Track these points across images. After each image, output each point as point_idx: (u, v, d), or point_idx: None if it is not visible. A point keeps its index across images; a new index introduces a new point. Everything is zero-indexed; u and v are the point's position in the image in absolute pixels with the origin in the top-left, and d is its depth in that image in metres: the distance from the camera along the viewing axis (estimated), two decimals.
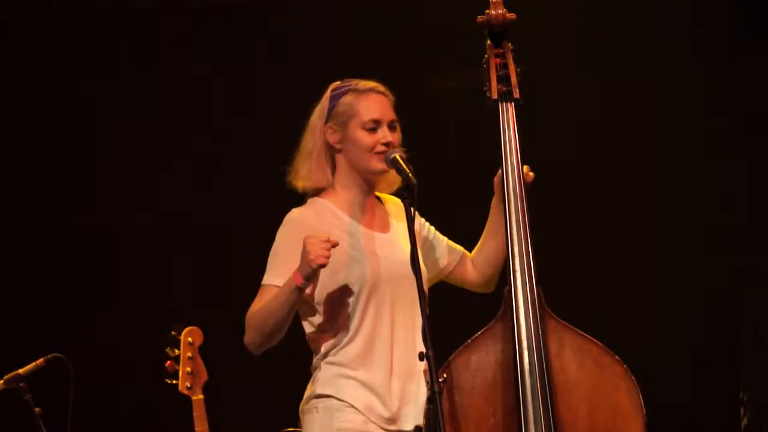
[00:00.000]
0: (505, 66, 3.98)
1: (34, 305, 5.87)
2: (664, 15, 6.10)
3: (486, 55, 4.00)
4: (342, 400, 3.77)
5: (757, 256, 6.10)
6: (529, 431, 3.65)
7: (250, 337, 3.79)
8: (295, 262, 3.71)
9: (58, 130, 6.11)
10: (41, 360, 4.48)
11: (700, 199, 6.10)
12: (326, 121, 3.91)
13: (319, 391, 3.81)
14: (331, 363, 3.81)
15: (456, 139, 6.12)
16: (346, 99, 3.91)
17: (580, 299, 5.29)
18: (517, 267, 3.78)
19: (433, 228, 4.09)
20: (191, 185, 6.13)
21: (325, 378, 3.81)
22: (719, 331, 6.08)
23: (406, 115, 3.97)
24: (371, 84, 3.95)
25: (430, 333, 3.52)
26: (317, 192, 3.94)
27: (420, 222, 4.05)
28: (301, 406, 3.89)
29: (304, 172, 3.92)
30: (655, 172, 6.11)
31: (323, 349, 3.85)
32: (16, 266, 5.98)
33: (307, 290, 3.77)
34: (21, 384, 4.41)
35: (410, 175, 3.69)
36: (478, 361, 3.73)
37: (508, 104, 3.92)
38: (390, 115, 3.92)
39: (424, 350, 3.50)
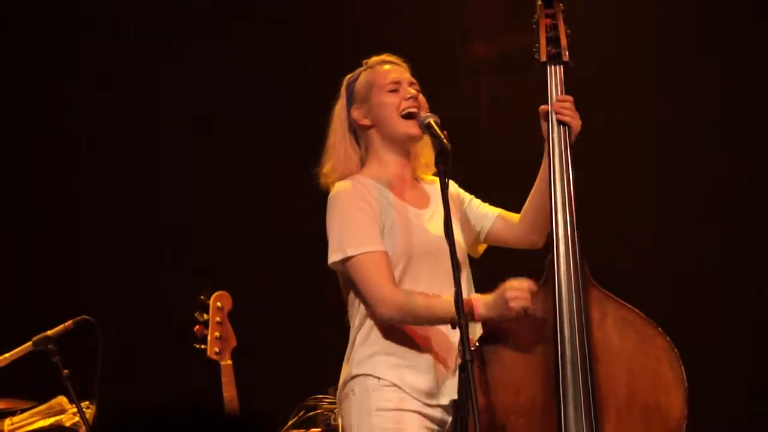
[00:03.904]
0: (555, 27, 3.90)
1: (67, 266, 5.87)
2: None
3: (536, 15, 3.93)
4: (379, 378, 3.70)
5: None
6: (567, 401, 3.63)
7: (394, 317, 3.69)
8: (369, 225, 3.69)
9: None
10: (70, 322, 4.46)
11: None
12: (349, 108, 3.89)
13: (355, 371, 3.74)
14: (367, 341, 3.75)
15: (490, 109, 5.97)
16: (362, 78, 3.91)
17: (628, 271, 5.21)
18: (561, 235, 3.72)
19: (469, 195, 4.01)
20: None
21: (360, 358, 3.74)
22: None
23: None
24: (381, 57, 3.95)
25: (462, 301, 3.45)
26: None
27: (458, 192, 3.98)
28: (338, 393, 3.82)
29: (335, 163, 3.86)
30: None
31: (358, 324, 3.78)
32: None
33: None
34: (50, 345, 4.39)
35: (444, 140, 3.60)
36: (518, 329, 3.68)
37: (557, 67, 3.86)
38: (408, 77, 3.91)
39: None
